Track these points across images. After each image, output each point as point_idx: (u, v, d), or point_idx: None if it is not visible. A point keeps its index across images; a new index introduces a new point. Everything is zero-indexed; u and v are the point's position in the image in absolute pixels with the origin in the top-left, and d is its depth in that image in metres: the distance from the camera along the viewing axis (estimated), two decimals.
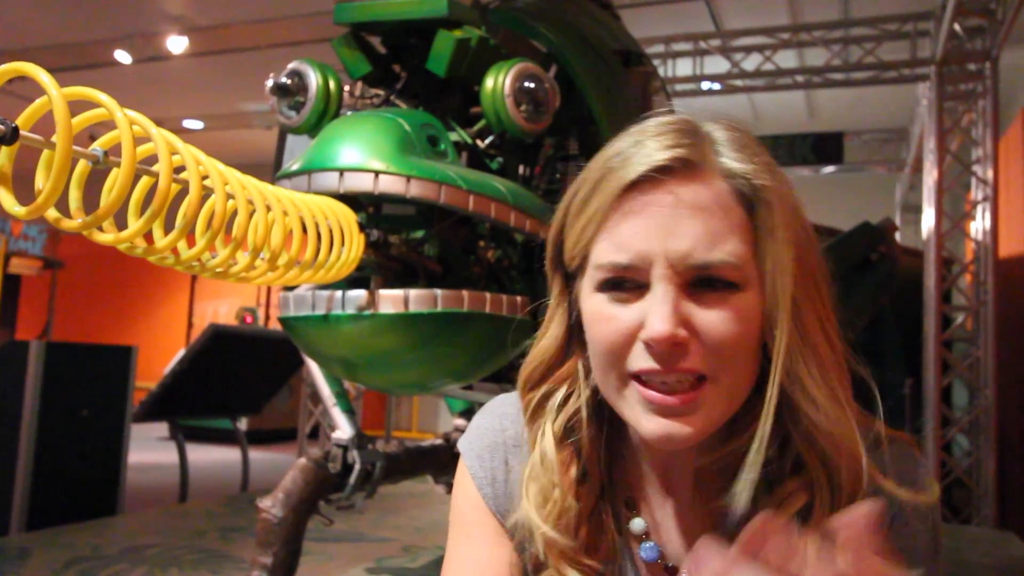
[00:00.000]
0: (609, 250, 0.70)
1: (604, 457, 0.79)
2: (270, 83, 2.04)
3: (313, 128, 2.03)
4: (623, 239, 0.69)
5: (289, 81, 2.02)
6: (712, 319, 0.67)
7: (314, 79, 2.00)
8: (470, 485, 0.83)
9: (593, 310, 0.72)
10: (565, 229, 0.76)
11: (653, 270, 0.67)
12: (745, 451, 0.69)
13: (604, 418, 0.78)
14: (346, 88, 2.20)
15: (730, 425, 0.72)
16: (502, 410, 0.86)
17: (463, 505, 0.84)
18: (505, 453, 0.83)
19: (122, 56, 7.14)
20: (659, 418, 0.68)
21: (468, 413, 3.26)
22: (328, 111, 2.02)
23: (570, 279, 0.78)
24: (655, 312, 0.66)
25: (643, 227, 0.68)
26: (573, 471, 0.76)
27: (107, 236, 0.93)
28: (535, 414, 0.79)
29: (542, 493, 0.75)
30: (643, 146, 0.70)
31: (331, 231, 1.43)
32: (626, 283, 0.69)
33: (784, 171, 0.73)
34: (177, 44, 6.90)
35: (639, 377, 0.69)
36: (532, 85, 1.94)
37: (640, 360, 0.68)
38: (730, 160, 0.70)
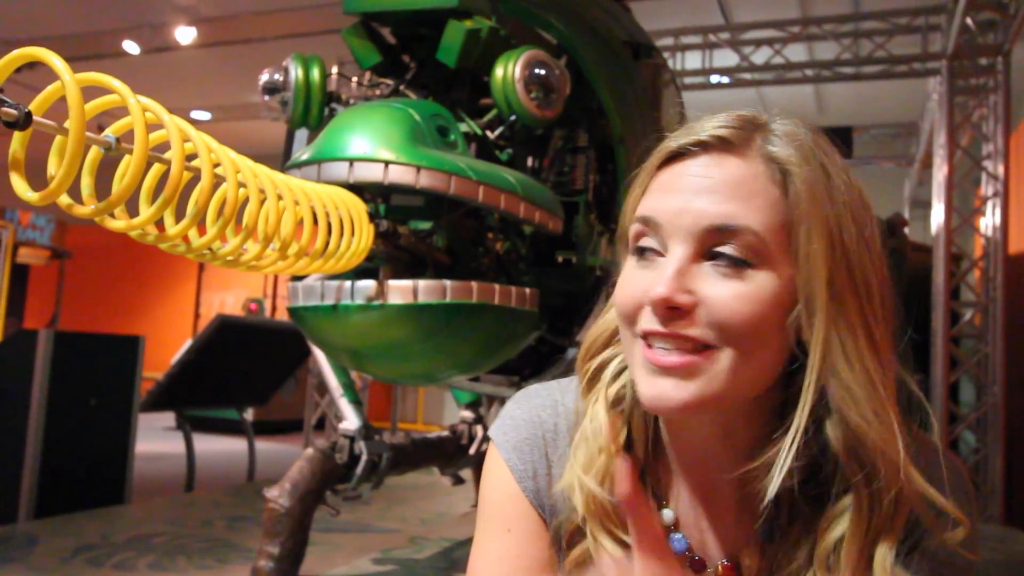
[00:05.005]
0: (638, 210, 0.73)
1: (651, 434, 0.78)
2: (262, 80, 2.05)
3: (302, 120, 2.03)
4: (650, 200, 0.72)
5: (277, 78, 2.03)
6: (721, 291, 0.67)
7: (293, 73, 2.00)
8: (508, 478, 0.81)
9: (622, 274, 0.74)
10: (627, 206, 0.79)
11: (668, 231, 0.69)
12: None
13: None
14: (354, 79, 2.20)
15: (769, 434, 0.70)
16: (537, 401, 0.84)
17: (499, 498, 0.81)
18: (544, 446, 0.81)
19: (130, 46, 7.15)
20: (655, 378, 0.68)
21: (475, 405, 3.26)
22: (311, 101, 2.02)
23: None
24: (660, 275, 0.68)
25: (669, 189, 0.71)
26: (621, 437, 0.76)
27: (119, 223, 0.92)
28: (591, 382, 0.79)
29: (588, 455, 0.75)
30: (693, 127, 0.73)
31: (341, 221, 1.43)
32: (649, 253, 0.71)
33: (842, 167, 0.72)
34: (185, 35, 6.90)
35: (645, 339, 0.69)
36: (542, 72, 1.94)
37: (646, 321, 0.69)
38: (774, 147, 0.71)
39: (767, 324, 0.67)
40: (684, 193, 0.69)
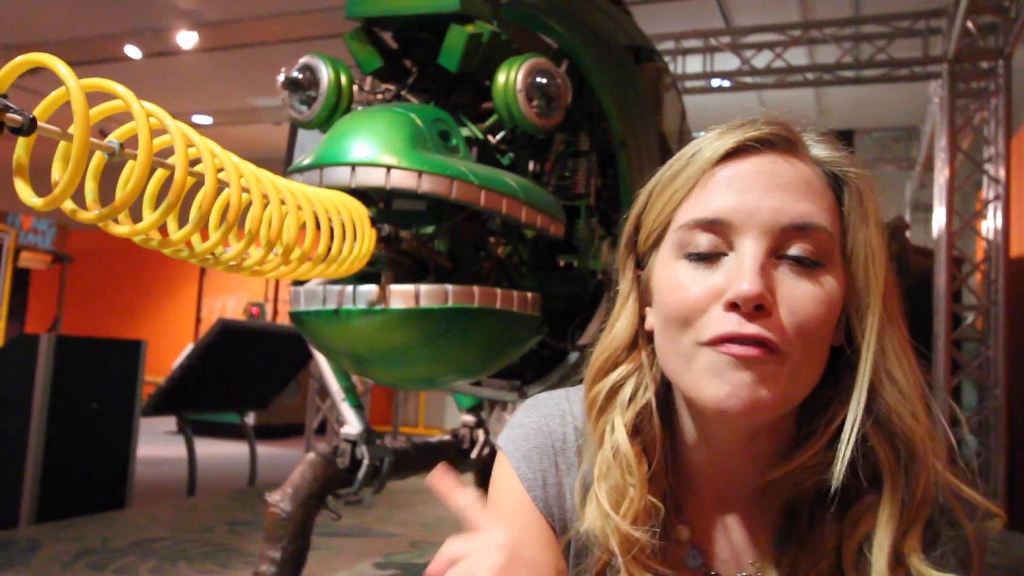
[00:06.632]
0: (696, 208, 0.69)
1: (670, 458, 0.75)
2: (282, 77, 2.04)
3: (324, 122, 2.02)
4: (713, 197, 0.68)
5: (300, 76, 2.02)
6: (799, 292, 0.65)
7: (325, 74, 1.99)
8: (517, 487, 0.79)
9: (669, 278, 0.70)
10: (646, 209, 0.75)
11: (741, 229, 0.66)
12: (814, 464, 0.68)
13: (669, 416, 0.76)
14: (355, 83, 2.20)
15: (800, 437, 0.70)
16: (546, 410, 0.83)
17: (510, 507, 0.80)
18: (554, 455, 0.80)
19: (132, 51, 7.17)
20: (730, 372, 0.64)
21: (476, 409, 3.26)
22: (339, 105, 2.01)
23: (642, 266, 0.76)
24: (742, 271, 0.65)
25: (736, 186, 0.68)
26: (644, 468, 0.72)
27: (123, 228, 0.92)
28: (603, 408, 0.76)
29: (616, 491, 0.71)
30: (737, 127, 0.71)
31: (343, 226, 1.43)
32: (709, 254, 0.68)
33: None
34: (187, 39, 6.91)
35: (715, 345, 0.66)
36: (544, 80, 1.94)
37: (719, 324, 0.65)
38: (818, 150, 0.72)
39: (830, 326, 0.67)
40: (755, 190, 0.67)
